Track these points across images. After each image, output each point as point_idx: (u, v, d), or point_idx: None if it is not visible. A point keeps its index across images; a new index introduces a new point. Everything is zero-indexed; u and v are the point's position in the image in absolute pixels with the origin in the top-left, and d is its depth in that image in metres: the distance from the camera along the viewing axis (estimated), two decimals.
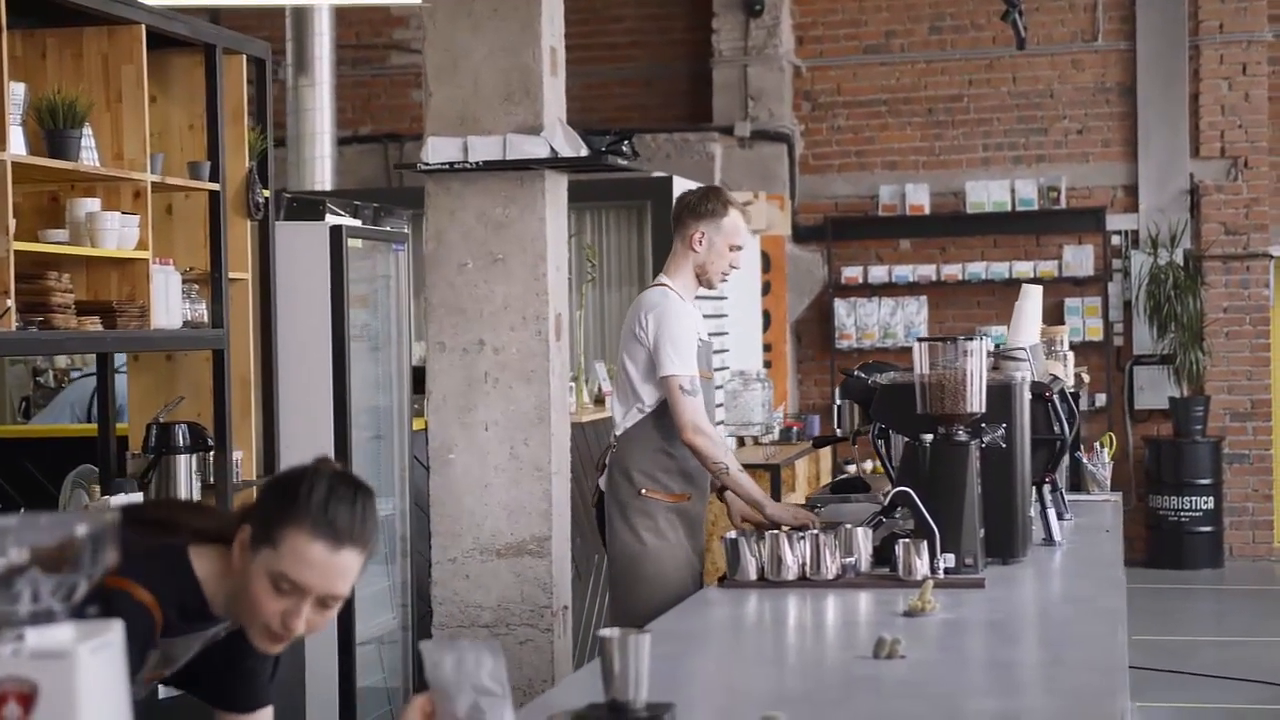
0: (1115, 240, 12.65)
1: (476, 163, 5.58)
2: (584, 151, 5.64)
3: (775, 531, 4.30)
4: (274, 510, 2.58)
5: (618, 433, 5.22)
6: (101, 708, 1.73)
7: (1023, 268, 12.53)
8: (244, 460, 5.74)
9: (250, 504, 2.69)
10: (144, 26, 5.11)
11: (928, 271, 12.73)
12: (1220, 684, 8.50)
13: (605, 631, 2.71)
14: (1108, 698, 2.90)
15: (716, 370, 10.04)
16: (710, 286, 5.30)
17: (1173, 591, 11.50)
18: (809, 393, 13.02)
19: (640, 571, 5.12)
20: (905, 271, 12.77)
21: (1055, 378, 5.53)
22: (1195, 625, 10.55)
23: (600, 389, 8.25)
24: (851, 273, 12.86)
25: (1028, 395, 4.67)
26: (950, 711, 2.90)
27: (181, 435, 5.32)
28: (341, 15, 12.36)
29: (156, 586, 2.60)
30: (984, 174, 12.81)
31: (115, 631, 1.77)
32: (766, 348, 12.36)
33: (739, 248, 5.25)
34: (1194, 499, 12.15)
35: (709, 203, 5.22)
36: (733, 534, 4.35)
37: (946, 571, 4.22)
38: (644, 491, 5.12)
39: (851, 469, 11.73)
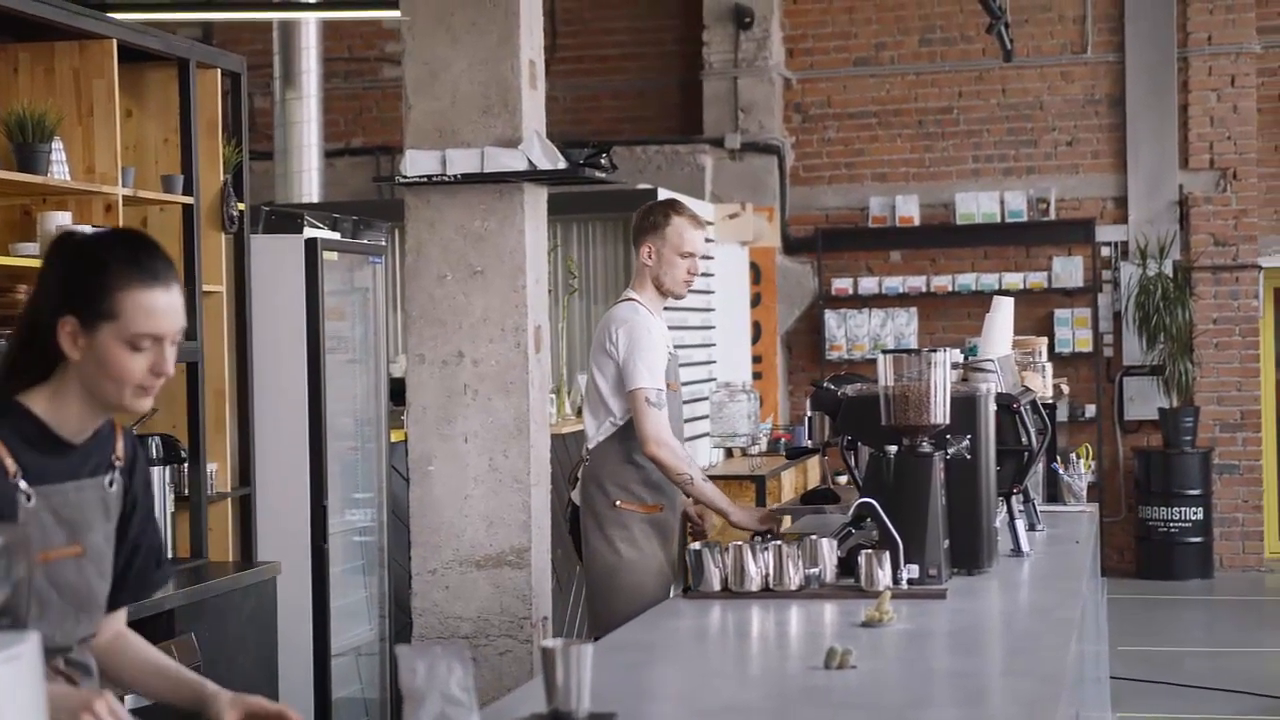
0: (1105, 251, 12.67)
1: (455, 175, 5.60)
2: (561, 164, 5.66)
3: (739, 543, 4.31)
4: (91, 293, 2.64)
5: (590, 445, 5.31)
6: (14, 717, 1.75)
7: (1012, 279, 12.54)
8: (218, 472, 5.75)
9: (45, 304, 2.69)
10: (115, 41, 5.14)
11: (918, 283, 12.75)
12: (1207, 694, 8.50)
13: (547, 642, 2.74)
14: (1050, 706, 2.91)
15: (703, 381, 10.13)
16: (675, 296, 5.39)
17: (1162, 602, 11.51)
18: (799, 404, 13.02)
19: (617, 582, 5.17)
20: (895, 283, 12.79)
21: (1027, 389, 5.54)
22: (1184, 636, 10.55)
23: (581, 400, 8.27)
24: (842, 284, 12.88)
25: (993, 407, 4.68)
26: None
27: (155, 447, 5.34)
28: (333, 28, 12.40)
29: None
30: (974, 185, 12.83)
31: (29, 643, 1.79)
32: (756, 359, 12.38)
33: (690, 254, 5.34)
34: (1184, 510, 12.15)
35: (651, 216, 5.37)
36: (697, 545, 4.36)
37: (910, 582, 4.23)
38: (618, 504, 5.21)
39: (843, 480, 11.75)
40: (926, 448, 4.39)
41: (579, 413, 8.17)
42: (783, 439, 10.69)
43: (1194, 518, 12.15)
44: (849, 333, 12.86)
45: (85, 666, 2.76)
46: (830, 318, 12.86)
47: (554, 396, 8.18)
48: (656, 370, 5.14)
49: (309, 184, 10.57)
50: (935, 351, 4.40)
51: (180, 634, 4.78)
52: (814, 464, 11.18)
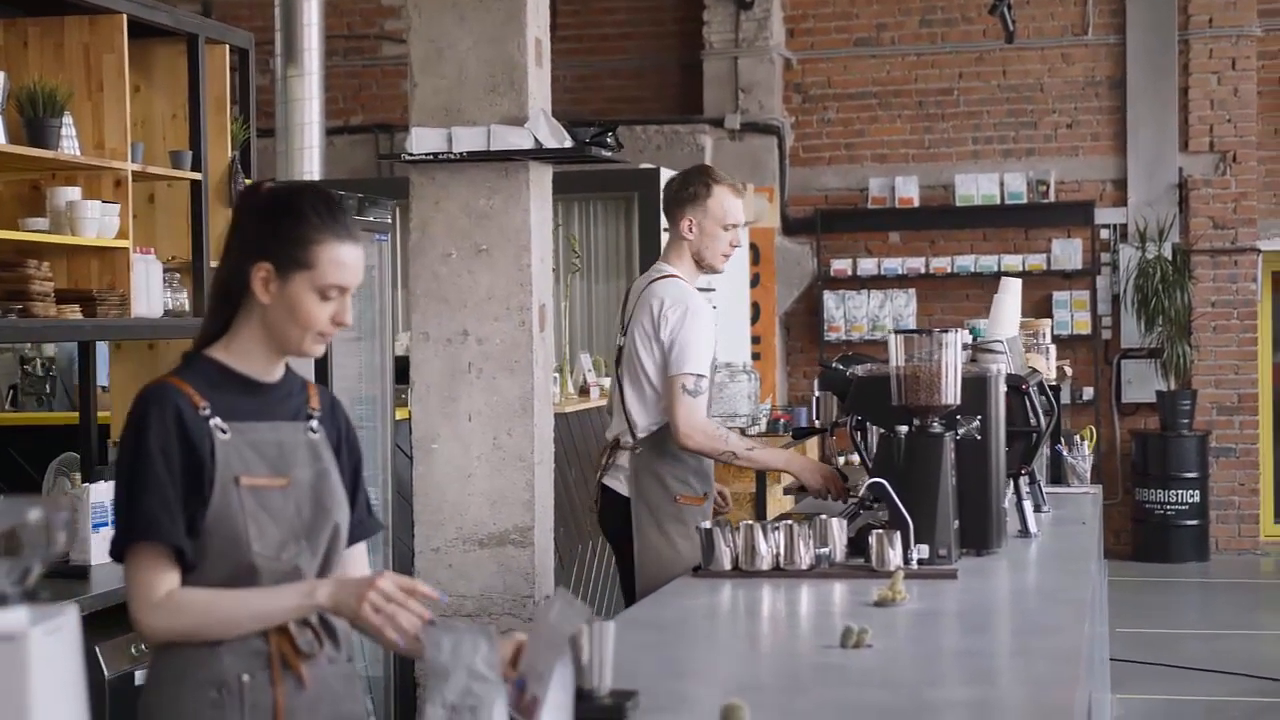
0: (1104, 234, 12.68)
1: (461, 153, 5.58)
2: (568, 143, 5.65)
3: (750, 522, 4.32)
4: (290, 243, 2.79)
5: (639, 434, 5.05)
6: (55, 690, 1.75)
7: (1011, 261, 12.55)
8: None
9: (240, 251, 2.83)
10: (125, 16, 5.12)
11: (917, 264, 12.75)
12: (1204, 676, 8.53)
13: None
14: (1068, 686, 2.92)
15: None
16: (713, 271, 5.20)
17: (1158, 584, 11.54)
18: (798, 384, 13.04)
19: (676, 575, 5.03)
20: (894, 264, 12.80)
21: (1034, 370, 5.55)
22: (1180, 618, 10.59)
23: (585, 380, 8.26)
24: (841, 265, 12.88)
25: (1003, 387, 4.68)
26: (912, 700, 2.92)
27: None
28: (333, 6, 12.35)
29: (178, 374, 2.83)
30: (973, 167, 12.83)
31: (69, 615, 1.79)
32: (755, 340, 12.38)
33: (733, 226, 5.11)
34: (1180, 492, 12.18)
35: (690, 186, 5.12)
36: (707, 524, 4.37)
37: (920, 562, 4.23)
38: (679, 498, 5.02)
39: (841, 460, 11.76)
40: (937, 428, 4.39)
41: (582, 392, 8.16)
42: (782, 419, 10.70)
43: (1191, 500, 12.18)
44: (847, 314, 12.87)
45: (333, 630, 2.87)
46: (829, 299, 12.87)
47: (557, 376, 8.17)
48: (703, 357, 4.92)
49: (310, 161, 10.49)
50: (946, 332, 4.40)
51: None
52: (812, 444, 11.20)
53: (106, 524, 4.81)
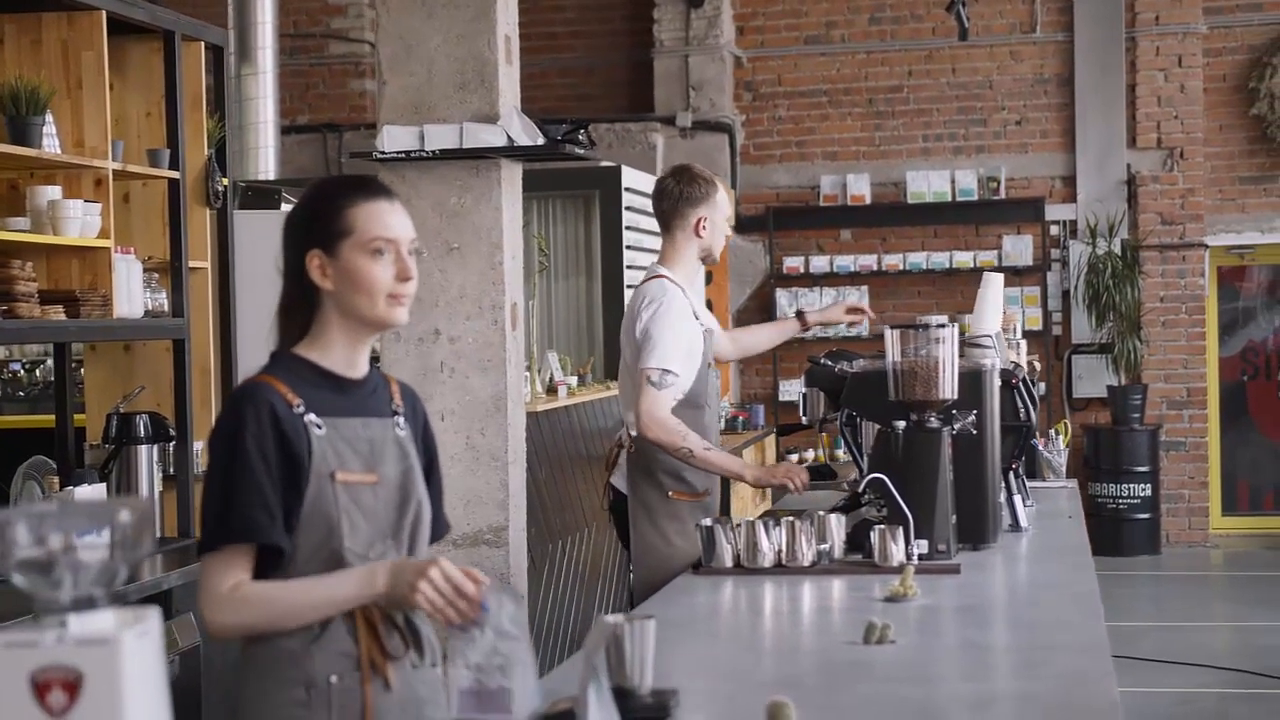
0: (1054, 230, 12.76)
1: (433, 151, 5.54)
2: (540, 140, 5.62)
3: (752, 519, 4.30)
4: (326, 220, 2.81)
5: (633, 433, 5.04)
6: (145, 693, 1.72)
7: (963, 258, 12.61)
8: (204, 451, 5.67)
9: (293, 254, 2.83)
10: (104, 13, 5.04)
11: (869, 261, 12.79)
12: (1159, 668, 8.59)
13: (611, 617, 2.71)
14: (1106, 679, 2.92)
15: None
16: (715, 262, 5.27)
17: (1111, 578, 11.60)
18: (750, 382, 13.05)
19: (672, 572, 4.99)
20: (847, 261, 12.83)
21: (1017, 365, 5.57)
22: (1134, 611, 10.65)
23: (553, 378, 8.23)
24: (793, 263, 12.90)
25: (997, 382, 4.69)
26: (950, 695, 2.92)
27: (143, 426, 5.26)
28: (280, 4, 12.25)
29: (268, 372, 2.82)
30: (924, 164, 12.88)
31: (153, 618, 1.76)
32: None
33: (728, 216, 5.21)
34: (1132, 486, 12.27)
35: (699, 185, 5.14)
36: (708, 521, 4.35)
37: (920, 558, 4.24)
38: (671, 494, 5.02)
39: (793, 458, 11.78)
40: (934, 423, 4.39)
41: (550, 391, 8.13)
42: (739, 417, 10.70)
43: (1142, 494, 12.28)
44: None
45: (417, 630, 2.84)
46: (782, 296, 12.88)
47: (526, 375, 8.14)
48: (670, 352, 4.95)
49: (265, 161, 10.43)
50: (943, 327, 4.40)
51: (179, 614, 4.71)
52: (770, 442, 11.22)
53: None
